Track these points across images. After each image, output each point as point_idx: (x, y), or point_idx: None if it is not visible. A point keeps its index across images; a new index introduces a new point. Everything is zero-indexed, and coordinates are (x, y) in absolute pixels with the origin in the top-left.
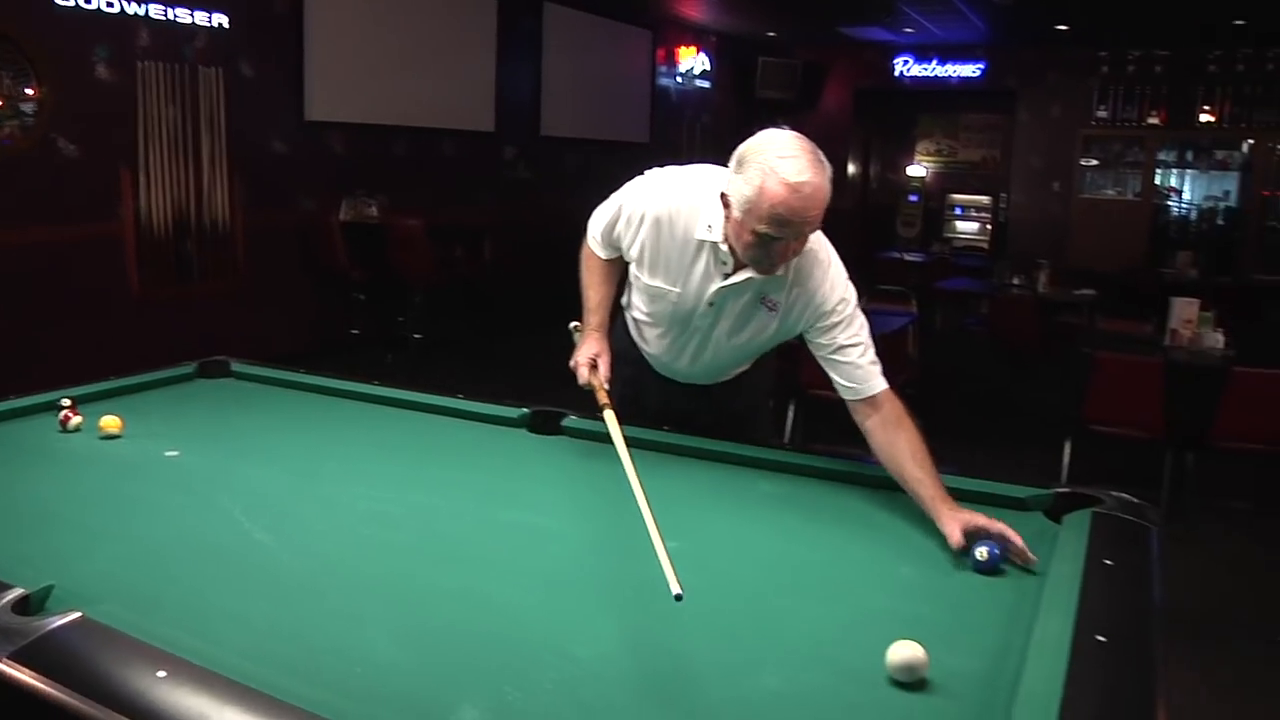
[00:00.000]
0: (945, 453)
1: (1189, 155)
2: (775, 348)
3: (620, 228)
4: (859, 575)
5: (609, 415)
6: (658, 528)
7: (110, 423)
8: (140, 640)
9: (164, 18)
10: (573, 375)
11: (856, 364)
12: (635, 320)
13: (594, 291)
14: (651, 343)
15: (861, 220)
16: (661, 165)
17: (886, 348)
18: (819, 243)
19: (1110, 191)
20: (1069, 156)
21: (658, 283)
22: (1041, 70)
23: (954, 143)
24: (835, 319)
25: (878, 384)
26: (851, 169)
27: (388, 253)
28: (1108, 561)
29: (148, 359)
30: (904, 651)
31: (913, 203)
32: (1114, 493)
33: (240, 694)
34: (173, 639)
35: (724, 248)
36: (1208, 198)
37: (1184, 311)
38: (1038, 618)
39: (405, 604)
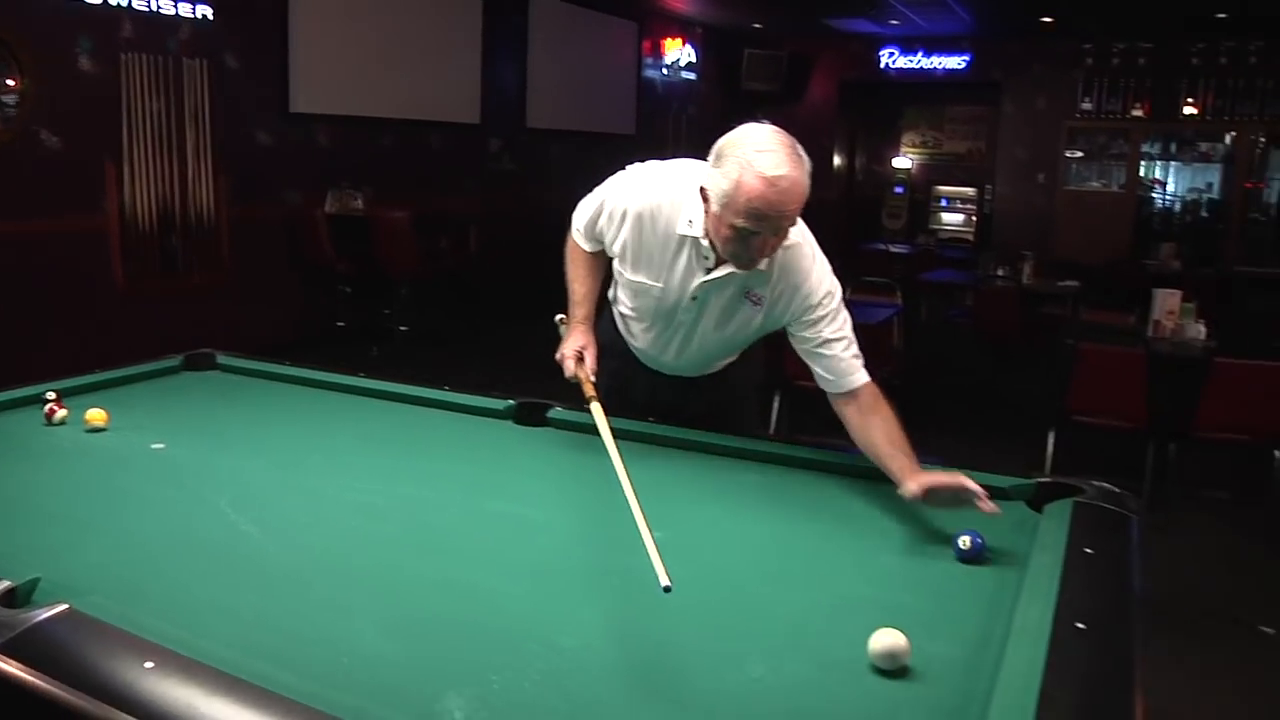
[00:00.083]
0: (929, 443)
1: (1173, 147)
2: (762, 339)
3: (603, 223)
4: (843, 564)
5: (595, 408)
6: (646, 520)
7: (96, 416)
8: (127, 631)
9: (147, 9)
10: (559, 368)
11: (839, 357)
12: (621, 315)
13: (579, 284)
14: (638, 336)
15: (847, 212)
16: (646, 158)
17: (871, 339)
18: (803, 236)
19: (1095, 183)
20: (1054, 148)
21: (640, 278)
22: (1026, 62)
23: (939, 135)
24: (820, 313)
25: (859, 377)
26: (837, 161)
27: (373, 245)
28: (1088, 550)
29: (133, 352)
30: (886, 639)
31: (898, 194)
32: (1095, 482)
33: (227, 684)
34: (160, 630)
35: (705, 243)
36: (1191, 190)
37: (1166, 303)
38: (1018, 605)
39: (391, 594)
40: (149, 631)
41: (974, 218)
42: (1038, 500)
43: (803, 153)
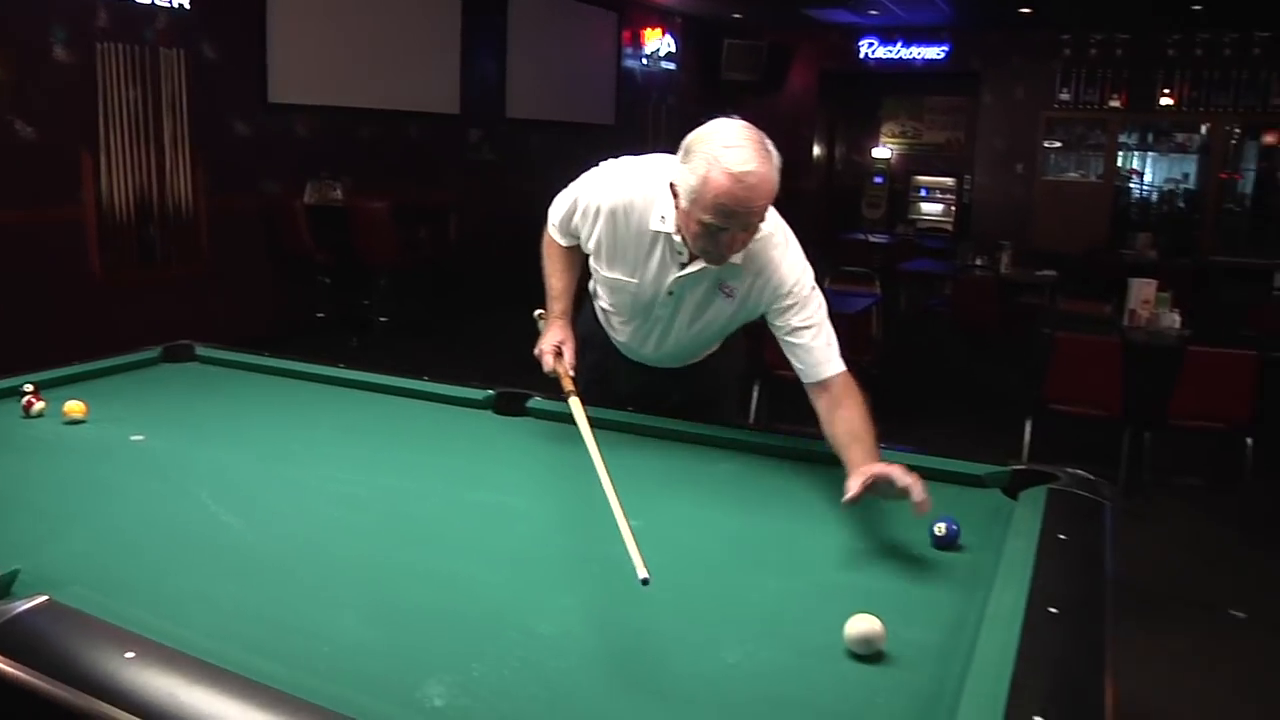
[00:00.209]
0: (907, 432)
1: (1149, 138)
2: (742, 329)
3: (577, 220)
4: (819, 551)
5: (574, 401)
6: (624, 513)
7: (74, 408)
8: (108, 622)
9: None
10: (537, 362)
11: (808, 346)
12: (602, 309)
13: (557, 279)
14: (618, 329)
15: (827, 202)
16: (626, 148)
17: (850, 329)
18: (775, 226)
19: (1073, 174)
20: (1032, 139)
21: (616, 275)
22: (1005, 53)
23: (919, 125)
24: (789, 301)
25: (831, 367)
26: (817, 151)
27: (352, 236)
28: (1061, 536)
29: (111, 344)
30: (861, 625)
31: (878, 184)
32: (1069, 470)
33: (208, 673)
34: (140, 620)
35: (678, 239)
36: (1168, 180)
37: (1142, 292)
38: (993, 591)
39: (372, 584)
40: (130, 622)
41: (953, 207)
42: (1013, 487)
43: (771, 148)
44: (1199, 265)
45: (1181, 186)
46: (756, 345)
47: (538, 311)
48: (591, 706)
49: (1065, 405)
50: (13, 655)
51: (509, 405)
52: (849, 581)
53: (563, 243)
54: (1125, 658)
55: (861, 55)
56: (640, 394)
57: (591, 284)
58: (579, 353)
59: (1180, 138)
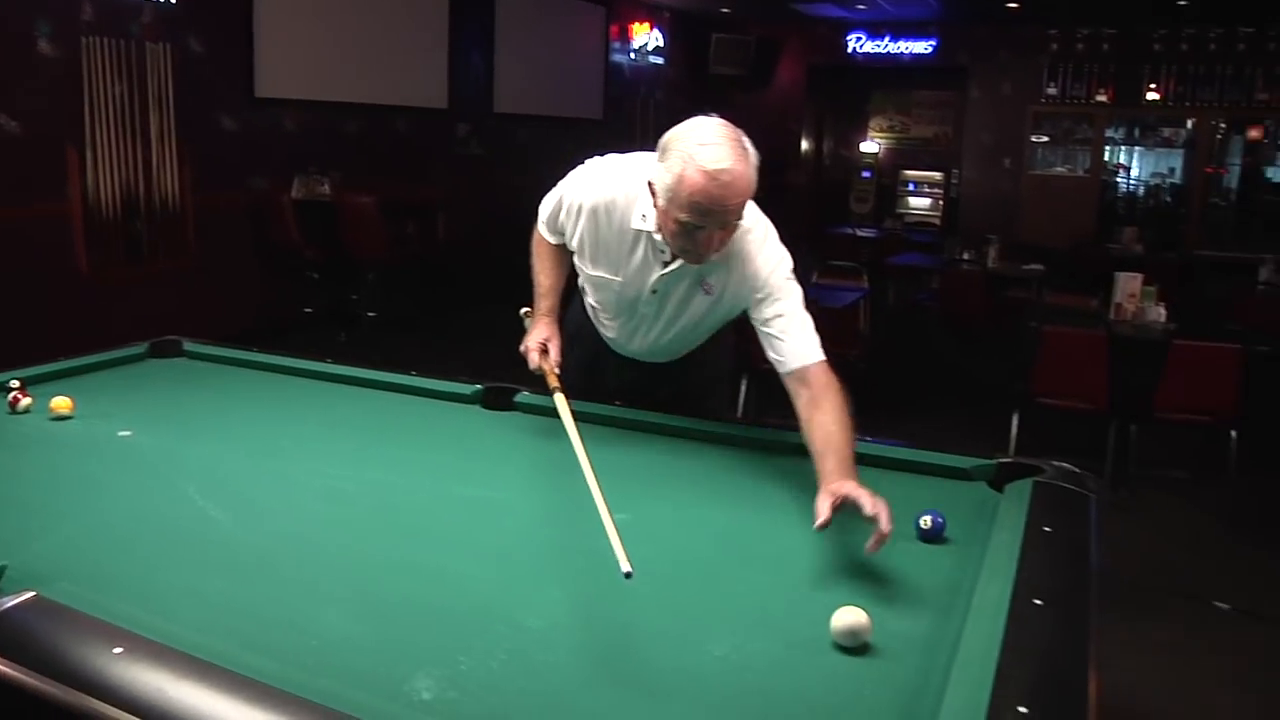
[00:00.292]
0: (895, 426)
1: (1136, 132)
2: (731, 323)
3: (563, 218)
4: (805, 545)
5: (559, 398)
6: (609, 509)
7: (61, 403)
8: (96, 617)
9: None
10: (524, 359)
11: (780, 337)
12: (590, 306)
13: (544, 277)
14: (606, 326)
15: (815, 196)
16: (614, 142)
17: (838, 323)
18: (754, 220)
19: (1060, 168)
20: (1019, 133)
21: (599, 273)
22: (993, 47)
23: (906, 119)
24: (764, 293)
25: (806, 358)
26: (805, 145)
27: (340, 230)
28: (1047, 529)
29: (98, 339)
30: (848, 617)
31: (865, 179)
32: (1055, 462)
33: (196, 667)
34: (128, 616)
35: (659, 237)
36: (1154, 174)
37: (1128, 286)
38: (978, 583)
39: (360, 578)
40: (118, 617)
41: (940, 202)
42: (999, 480)
43: (749, 145)
44: (1184, 259)
45: (1167, 181)
46: (744, 340)
47: (524, 309)
48: (579, 699)
49: (1052, 399)
50: (0, 651)
51: (497, 400)
52: (835, 575)
53: (551, 240)
54: (1110, 649)
55: (849, 50)
56: (630, 388)
57: (580, 280)
58: (568, 348)
59: (1166, 132)
